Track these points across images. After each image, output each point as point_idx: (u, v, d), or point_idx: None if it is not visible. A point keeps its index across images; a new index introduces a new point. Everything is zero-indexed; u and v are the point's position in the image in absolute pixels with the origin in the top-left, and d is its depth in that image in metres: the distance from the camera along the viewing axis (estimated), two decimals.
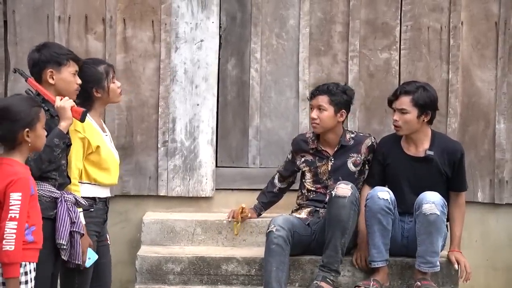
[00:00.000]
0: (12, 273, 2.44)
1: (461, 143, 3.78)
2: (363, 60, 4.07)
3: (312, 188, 3.65)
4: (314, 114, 3.57)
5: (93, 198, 3.07)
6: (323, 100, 3.56)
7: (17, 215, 2.45)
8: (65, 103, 2.82)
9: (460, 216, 3.56)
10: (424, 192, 3.41)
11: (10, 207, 2.44)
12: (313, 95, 3.61)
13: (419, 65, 4.07)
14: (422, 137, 3.54)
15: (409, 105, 3.48)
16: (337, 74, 4.07)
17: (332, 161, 3.62)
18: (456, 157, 3.54)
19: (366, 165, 3.68)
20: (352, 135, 3.67)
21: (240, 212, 3.73)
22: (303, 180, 3.70)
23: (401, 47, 4.07)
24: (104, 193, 3.14)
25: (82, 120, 2.90)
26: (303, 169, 3.68)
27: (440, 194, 3.42)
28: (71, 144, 2.92)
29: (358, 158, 3.63)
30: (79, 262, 2.84)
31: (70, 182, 2.93)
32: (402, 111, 3.48)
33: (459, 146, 3.62)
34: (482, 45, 4.07)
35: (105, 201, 3.15)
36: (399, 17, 4.07)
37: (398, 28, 4.07)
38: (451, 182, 3.55)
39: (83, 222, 2.94)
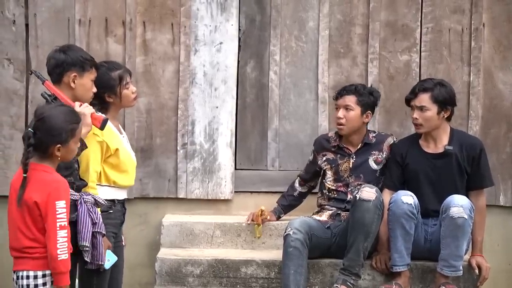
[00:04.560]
0: (66, 281, 2.50)
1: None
2: (383, 62, 4.05)
3: (333, 187, 3.64)
4: (341, 113, 3.58)
5: (112, 200, 3.08)
6: (350, 100, 3.58)
7: (66, 223, 2.49)
8: (85, 110, 2.81)
9: (481, 220, 3.52)
10: (452, 195, 3.38)
11: (58, 216, 2.47)
12: (340, 95, 3.63)
13: (440, 67, 4.04)
14: (441, 133, 3.53)
15: (428, 102, 3.46)
16: (357, 77, 4.05)
17: (354, 159, 3.62)
18: (476, 152, 3.51)
19: None
20: (374, 135, 3.69)
21: (259, 215, 3.72)
22: (324, 180, 3.69)
23: (422, 49, 4.04)
24: (122, 194, 3.15)
25: (102, 128, 2.89)
26: (324, 168, 3.68)
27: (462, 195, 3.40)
28: (86, 148, 2.91)
29: (380, 156, 3.62)
30: (102, 263, 2.84)
31: (86, 184, 2.92)
32: (422, 109, 3.47)
33: (478, 141, 3.60)
34: (504, 47, 4.03)
35: (123, 202, 3.16)
36: (420, 19, 4.04)
37: (419, 30, 4.04)
38: (471, 179, 3.52)
39: None
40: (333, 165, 3.65)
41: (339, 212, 3.60)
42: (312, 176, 3.77)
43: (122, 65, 3.26)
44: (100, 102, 3.09)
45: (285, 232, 3.45)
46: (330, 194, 3.65)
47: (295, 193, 3.81)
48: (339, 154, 3.65)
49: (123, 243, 3.22)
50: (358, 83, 3.77)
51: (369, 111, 3.61)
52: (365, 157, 3.62)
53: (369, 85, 3.90)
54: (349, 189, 3.60)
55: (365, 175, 3.58)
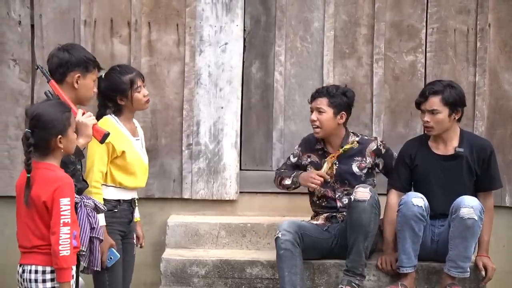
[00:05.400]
0: (67, 277, 2.51)
1: None
2: (388, 63, 4.05)
3: (322, 192, 3.62)
4: (314, 116, 3.55)
5: (117, 200, 3.09)
6: (322, 102, 3.54)
7: (69, 220, 2.51)
8: (88, 120, 2.75)
9: (489, 220, 3.50)
10: (462, 196, 3.37)
11: (62, 213, 2.50)
12: (313, 97, 3.60)
13: (445, 68, 4.03)
14: (451, 135, 3.51)
15: (439, 104, 3.44)
16: (362, 77, 4.05)
17: (337, 165, 3.60)
18: (486, 154, 3.49)
19: (376, 169, 3.64)
20: (357, 138, 3.63)
21: (330, 161, 3.55)
22: None
23: (427, 49, 4.04)
24: (129, 195, 3.15)
25: (102, 142, 2.84)
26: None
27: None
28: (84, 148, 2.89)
29: (363, 162, 3.59)
30: (98, 269, 2.80)
31: (88, 186, 2.91)
32: (433, 112, 3.45)
33: (488, 143, 3.58)
34: (510, 48, 4.02)
35: (130, 202, 3.17)
36: (425, 19, 4.03)
37: (424, 30, 4.04)
38: (480, 181, 3.51)
39: (103, 223, 2.93)
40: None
41: (334, 214, 3.60)
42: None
43: (135, 69, 3.23)
44: (113, 104, 3.12)
45: (275, 235, 3.44)
46: (321, 201, 3.64)
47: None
48: (323, 159, 3.62)
49: (134, 240, 3.22)
50: (331, 84, 3.72)
51: (343, 112, 3.54)
52: (348, 163, 3.58)
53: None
54: (336, 196, 3.59)
55: (350, 181, 3.56)
